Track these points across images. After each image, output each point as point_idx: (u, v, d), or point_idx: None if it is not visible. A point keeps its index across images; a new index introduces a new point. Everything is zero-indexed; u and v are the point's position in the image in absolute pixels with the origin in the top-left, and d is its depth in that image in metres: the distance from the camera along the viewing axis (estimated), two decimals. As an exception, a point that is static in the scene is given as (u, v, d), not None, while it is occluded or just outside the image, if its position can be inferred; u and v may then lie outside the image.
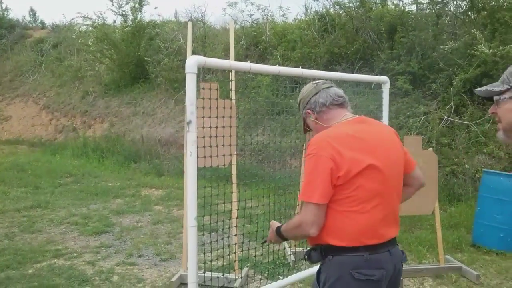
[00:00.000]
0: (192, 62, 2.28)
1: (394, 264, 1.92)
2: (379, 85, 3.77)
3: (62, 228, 5.80)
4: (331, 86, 2.13)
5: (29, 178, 8.46)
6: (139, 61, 12.51)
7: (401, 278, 4.03)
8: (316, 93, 2.09)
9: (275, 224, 2.14)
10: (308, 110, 2.10)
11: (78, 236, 5.52)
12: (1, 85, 16.20)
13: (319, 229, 1.85)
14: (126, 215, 6.40)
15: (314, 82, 2.17)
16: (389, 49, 8.65)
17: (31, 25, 20.48)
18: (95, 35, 13.14)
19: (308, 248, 2.05)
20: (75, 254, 4.93)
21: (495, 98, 1.48)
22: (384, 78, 3.58)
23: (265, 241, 2.28)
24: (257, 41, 11.24)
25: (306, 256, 2.04)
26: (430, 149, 4.95)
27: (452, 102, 7.38)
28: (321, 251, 1.93)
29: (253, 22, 12.00)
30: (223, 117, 3.48)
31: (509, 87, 1.44)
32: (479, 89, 1.56)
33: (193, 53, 12.07)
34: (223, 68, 2.58)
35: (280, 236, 2.07)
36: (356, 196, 1.83)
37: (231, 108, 3.70)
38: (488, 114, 5.38)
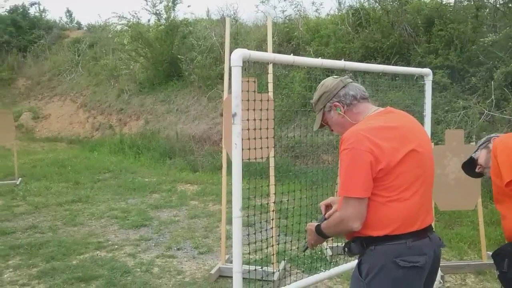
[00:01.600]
0: (238, 55, 2.30)
1: (434, 249, 1.93)
2: (418, 79, 3.71)
3: (102, 222, 5.97)
4: (354, 81, 2.13)
5: (69, 174, 8.73)
6: (173, 59, 12.69)
7: (443, 274, 3.97)
8: (344, 86, 2.06)
9: (312, 225, 2.12)
10: (337, 103, 2.05)
11: (118, 229, 5.67)
12: (40, 84, 16.74)
13: (362, 223, 1.84)
14: (163, 210, 6.52)
15: (336, 77, 2.13)
16: (426, 43, 8.48)
17: (67, 26, 21.07)
18: (130, 34, 13.41)
19: (346, 242, 2.04)
20: (116, 246, 5.06)
21: None
22: (427, 70, 3.52)
23: (306, 248, 2.25)
24: (290, 37, 11.21)
25: (345, 249, 2.03)
26: (473, 143, 4.83)
27: (493, 96, 7.17)
28: (361, 243, 1.92)
29: (285, 18, 11.97)
30: (261, 110, 3.49)
31: None
32: None
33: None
34: (267, 61, 2.60)
35: (321, 234, 2.05)
36: (397, 185, 1.83)
37: (268, 100, 3.71)
38: None
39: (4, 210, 6.47)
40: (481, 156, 2.39)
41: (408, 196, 1.84)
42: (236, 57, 2.30)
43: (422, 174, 1.90)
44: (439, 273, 3.43)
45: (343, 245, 2.10)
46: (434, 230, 2.05)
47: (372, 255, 1.88)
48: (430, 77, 3.57)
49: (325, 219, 2.08)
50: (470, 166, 2.50)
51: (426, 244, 1.89)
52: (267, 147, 3.56)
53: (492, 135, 2.49)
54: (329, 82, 2.10)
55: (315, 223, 2.12)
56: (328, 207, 2.19)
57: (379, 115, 1.98)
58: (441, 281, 3.67)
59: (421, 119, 4.35)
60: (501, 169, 2.02)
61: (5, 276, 4.30)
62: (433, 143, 4.38)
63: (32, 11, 20.49)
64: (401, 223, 1.84)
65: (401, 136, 1.86)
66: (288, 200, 3.84)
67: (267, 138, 3.40)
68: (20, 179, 8.14)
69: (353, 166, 1.81)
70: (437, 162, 4.22)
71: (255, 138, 2.83)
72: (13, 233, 5.47)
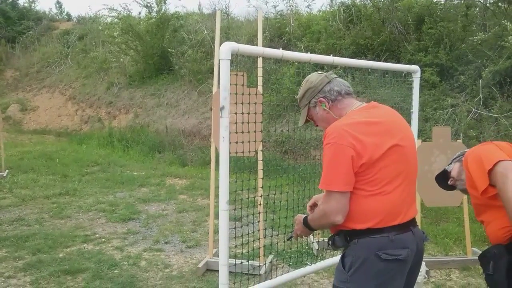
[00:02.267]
0: (226, 48, 2.29)
1: (416, 243, 1.95)
2: (406, 76, 3.73)
3: (90, 215, 5.94)
4: (337, 77, 2.14)
5: (57, 167, 8.66)
6: (163, 53, 12.63)
7: (428, 269, 4.02)
8: (329, 82, 2.07)
9: (301, 216, 2.15)
10: (322, 98, 2.06)
11: (106, 222, 5.64)
12: (28, 76, 16.56)
13: (345, 216, 1.86)
14: (151, 203, 6.50)
15: (321, 72, 2.14)
16: (416, 41, 8.54)
17: (57, 17, 20.88)
18: (120, 26, 13.30)
19: (330, 235, 2.06)
20: (103, 239, 5.04)
21: None
22: (415, 67, 3.54)
23: (291, 237, 2.28)
24: (281, 33, 11.21)
25: (329, 242, 2.04)
26: (459, 140, 4.88)
27: (481, 95, 7.24)
28: (345, 236, 1.94)
29: (277, 13, 11.98)
30: (249, 103, 3.50)
31: None
32: None
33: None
34: (256, 54, 2.59)
35: (307, 227, 2.08)
36: (379, 179, 1.85)
37: (257, 94, 3.72)
38: None
39: (-10, 202, 6.41)
40: (454, 168, 2.41)
41: (390, 189, 1.86)
42: (224, 50, 2.29)
43: (404, 169, 1.92)
44: (424, 268, 3.47)
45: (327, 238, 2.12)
46: (417, 224, 2.07)
47: (355, 248, 1.90)
48: (418, 74, 3.59)
49: None
50: (443, 179, 2.51)
51: (408, 238, 1.91)
52: (255, 141, 3.56)
53: (466, 150, 2.50)
54: (314, 77, 2.11)
55: (304, 215, 2.15)
56: (314, 206, 2.23)
57: (362, 110, 1.99)
58: (426, 276, 3.71)
59: (409, 116, 4.39)
60: (474, 179, 2.03)
61: (-9, 268, 4.27)
62: (420, 140, 4.42)
63: (21, 1, 20.35)
64: (383, 216, 1.86)
65: (383, 131, 1.88)
66: (275, 195, 3.85)
67: (255, 132, 3.40)
68: (7, 171, 8.05)
69: (334, 160, 1.83)
70: (424, 159, 4.27)
71: (242, 132, 2.83)
72: (-1, 225, 5.43)
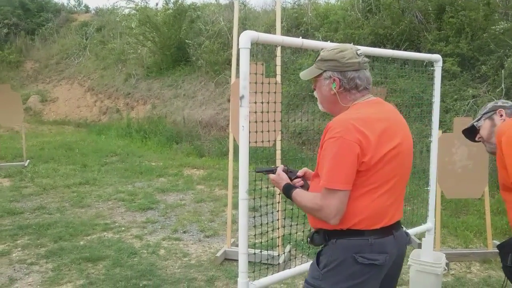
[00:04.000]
0: (246, 37, 2.27)
1: (398, 247, 1.88)
2: (427, 65, 3.66)
3: (109, 204, 6.02)
4: (368, 68, 1.95)
5: (76, 157, 8.78)
6: (180, 44, 12.65)
7: (448, 262, 3.97)
8: (357, 70, 1.88)
9: (283, 179, 2.06)
10: (337, 79, 1.88)
11: (125, 211, 5.72)
12: (47, 67, 16.76)
13: (340, 219, 1.77)
14: (170, 193, 6.56)
15: (360, 53, 1.91)
16: (436, 30, 8.38)
17: (75, 9, 21.02)
18: (137, 18, 13.35)
19: (310, 232, 1.98)
20: (123, 228, 5.11)
21: None
22: (437, 56, 3.47)
23: (262, 171, 2.24)
24: (299, 23, 11.12)
25: (308, 239, 1.97)
26: (481, 131, 4.78)
27: (503, 85, 7.09)
28: (324, 234, 1.87)
29: (294, 3, 11.87)
30: (268, 92, 3.48)
31: None
32: None
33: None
34: (276, 43, 2.57)
35: (286, 195, 1.99)
36: (373, 180, 1.77)
37: (276, 84, 3.70)
38: None
39: (13, 191, 6.54)
40: (484, 127, 2.29)
41: (380, 193, 1.79)
42: (244, 39, 2.27)
43: (399, 172, 1.85)
44: (444, 260, 3.44)
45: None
46: (402, 227, 1.98)
47: (333, 248, 1.84)
48: (440, 63, 3.53)
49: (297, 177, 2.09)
50: (470, 132, 2.42)
51: (389, 242, 1.84)
52: (274, 131, 3.55)
53: (498, 103, 2.35)
54: (348, 55, 1.88)
55: (285, 176, 2.07)
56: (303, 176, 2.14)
57: (369, 104, 1.88)
58: (446, 268, 3.67)
59: (429, 107, 4.32)
60: (507, 164, 1.95)
61: (14, 255, 4.36)
62: (441, 131, 4.35)
63: (40, -7, 20.45)
64: (366, 218, 1.78)
65: (387, 130, 1.79)
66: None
67: (274, 121, 3.39)
68: (28, 161, 8.21)
69: (340, 156, 1.72)
70: (445, 150, 4.21)
71: (262, 121, 2.82)
72: (21, 214, 5.54)
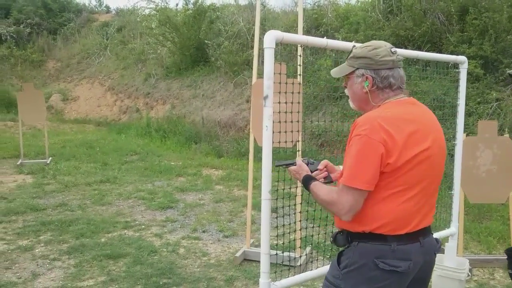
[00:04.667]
0: (271, 37, 2.27)
1: (424, 255, 1.81)
2: (450, 68, 3.62)
3: (130, 202, 6.08)
4: (402, 66, 1.90)
5: (97, 155, 8.90)
6: (200, 44, 12.72)
7: (471, 268, 3.91)
8: (391, 68, 1.83)
9: (304, 168, 2.07)
10: (370, 77, 1.83)
11: (145, 210, 5.77)
12: (69, 67, 17.04)
13: (353, 216, 1.75)
14: (189, 193, 6.59)
15: (394, 50, 1.85)
16: (459, 32, 8.26)
17: (96, 9, 21.32)
18: (157, 18, 13.48)
19: (334, 232, 1.96)
20: (143, 226, 5.15)
21: None
22: (462, 58, 3.42)
23: (283, 165, 2.25)
24: (318, 24, 11.08)
25: (331, 239, 1.94)
26: (506, 135, 4.70)
27: (528, 88, 6.96)
28: (347, 236, 1.85)
29: (314, 4, 11.84)
30: (292, 92, 3.48)
31: None
32: None
33: (253, 36, 11.99)
34: (300, 43, 2.57)
35: (305, 187, 1.98)
36: (399, 183, 1.72)
37: (298, 84, 3.70)
38: None
39: (36, 187, 6.66)
40: None
41: (407, 197, 1.73)
42: (269, 39, 2.27)
43: (428, 176, 1.78)
44: (468, 266, 3.38)
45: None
46: (431, 233, 1.91)
47: (354, 250, 1.81)
48: (465, 65, 3.48)
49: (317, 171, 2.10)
50: None
51: (414, 249, 1.77)
52: (295, 131, 3.55)
53: None
54: (382, 52, 1.83)
55: (306, 167, 2.07)
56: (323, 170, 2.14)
57: (400, 104, 1.83)
58: (469, 273, 3.62)
59: (452, 110, 4.26)
60: None
61: (37, 250, 4.44)
62: (465, 135, 4.28)
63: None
64: (391, 223, 1.74)
65: (416, 132, 1.74)
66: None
67: (296, 122, 3.39)
68: (50, 158, 8.35)
69: (363, 155, 1.69)
70: (469, 154, 4.15)
71: (286, 122, 2.81)
72: (44, 210, 5.64)
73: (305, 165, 2.11)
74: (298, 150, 4.07)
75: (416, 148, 1.72)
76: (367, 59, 1.84)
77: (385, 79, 1.83)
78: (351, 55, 1.92)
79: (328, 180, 2.13)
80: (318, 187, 1.92)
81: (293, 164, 2.18)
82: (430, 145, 1.77)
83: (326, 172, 2.13)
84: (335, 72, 2.01)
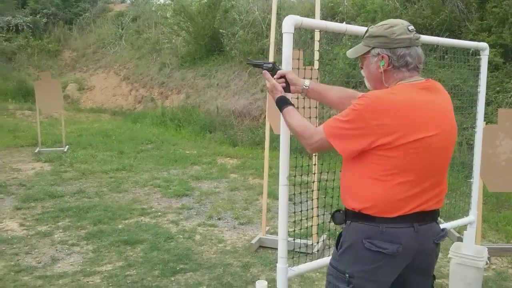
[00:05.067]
0: (290, 21, 2.25)
1: (420, 241, 1.77)
2: (470, 55, 3.56)
3: (146, 190, 6.14)
4: (420, 45, 1.85)
5: (113, 144, 8.98)
6: (214, 34, 12.68)
7: (489, 256, 3.87)
8: (408, 47, 1.78)
9: (279, 88, 2.06)
10: (385, 56, 1.80)
11: (161, 197, 5.82)
12: (85, 56, 17.15)
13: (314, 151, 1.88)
14: (204, 181, 6.63)
15: (411, 29, 1.80)
16: (478, 20, 8.11)
17: (111, -1, 21.40)
18: (172, 7, 13.47)
19: (334, 210, 1.98)
20: (159, 213, 5.20)
21: None
22: (483, 45, 3.35)
23: (255, 64, 2.28)
24: (334, 13, 10.96)
25: (331, 217, 1.97)
26: (526, 123, 4.61)
27: (549, 77, 6.82)
28: (343, 214, 1.88)
29: (330, -8, 11.68)
30: (311, 78, 3.46)
31: None
32: None
33: (268, 25, 11.92)
34: (319, 28, 2.55)
35: (279, 108, 2.02)
36: (389, 166, 1.70)
37: (313, 70, 3.68)
38: None
39: (53, 175, 6.75)
40: None
41: (400, 181, 1.71)
42: (288, 24, 2.25)
43: (428, 165, 1.74)
44: (486, 254, 3.35)
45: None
46: (435, 221, 1.86)
47: (348, 230, 1.85)
48: (487, 52, 3.40)
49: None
50: None
51: (405, 233, 1.74)
52: (315, 117, 3.54)
53: None
54: (398, 30, 1.79)
55: (281, 88, 2.06)
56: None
57: (411, 87, 1.77)
58: (488, 262, 3.59)
59: (470, 99, 4.19)
60: None
61: (56, 236, 4.52)
62: (484, 123, 4.21)
63: (78, -16, 20.89)
64: (376, 204, 1.74)
65: (422, 118, 1.70)
66: (327, 176, 3.81)
67: (316, 107, 3.38)
68: (67, 146, 8.45)
69: (351, 126, 1.71)
70: (488, 142, 4.09)
71: (304, 107, 2.80)
72: (62, 197, 5.72)
73: (280, 84, 2.10)
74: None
75: (416, 134, 1.68)
76: (383, 38, 1.80)
77: (402, 58, 1.79)
78: (366, 34, 1.89)
79: (286, 91, 2.13)
80: (292, 114, 1.96)
81: (262, 66, 2.21)
82: (437, 133, 1.73)
83: (283, 84, 2.12)
84: (350, 52, 1.98)
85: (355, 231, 1.80)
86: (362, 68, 1.96)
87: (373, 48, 1.84)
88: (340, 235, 1.91)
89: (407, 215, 1.74)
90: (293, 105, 2.02)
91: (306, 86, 2.12)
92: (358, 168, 1.79)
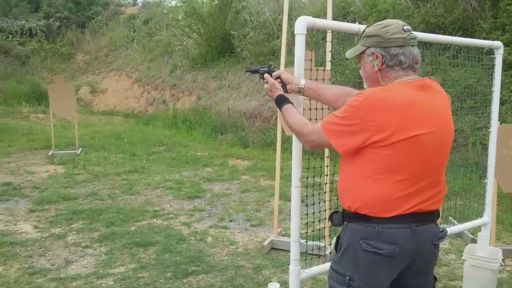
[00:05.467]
0: (302, 23, 2.24)
1: (417, 242, 1.75)
2: (484, 54, 3.51)
3: (158, 192, 6.16)
4: (416, 45, 1.85)
5: (125, 146, 9.04)
6: (225, 35, 12.71)
7: (504, 258, 3.81)
8: (401, 46, 1.79)
9: (278, 87, 2.12)
10: (379, 55, 1.81)
11: (173, 199, 5.84)
12: (97, 59, 17.31)
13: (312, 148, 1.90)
14: (215, 183, 6.63)
15: (407, 28, 1.82)
16: (492, 18, 8.01)
17: (123, 2, 21.55)
18: (184, 10, 13.53)
19: (332, 211, 1.97)
20: (171, 215, 5.22)
21: None
22: (498, 43, 3.30)
23: (251, 70, 2.38)
24: (345, 12, 10.91)
25: (329, 219, 1.96)
26: (542, 123, 4.54)
27: None
28: (341, 215, 1.88)
29: (341, -8, 11.63)
30: (323, 79, 3.45)
31: None
32: None
33: (279, 26, 11.90)
34: (332, 29, 2.54)
35: (278, 106, 2.07)
36: (383, 165, 1.70)
37: (329, 70, 3.67)
38: None
39: (67, 177, 6.82)
40: None
41: (392, 180, 1.70)
42: (300, 25, 2.24)
43: (423, 163, 1.73)
44: (501, 255, 3.30)
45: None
46: (435, 222, 1.84)
47: (345, 231, 1.84)
48: (501, 51, 3.36)
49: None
50: None
51: (402, 234, 1.73)
52: (322, 119, 3.52)
53: None
54: (393, 30, 1.80)
55: (280, 86, 2.13)
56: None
57: (407, 85, 1.76)
58: (502, 264, 3.53)
59: (484, 98, 4.14)
60: None
61: (69, 238, 4.55)
62: (499, 122, 4.16)
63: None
64: (371, 203, 1.74)
65: (415, 117, 1.69)
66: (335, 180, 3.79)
67: (328, 109, 3.35)
68: (80, 149, 8.53)
69: (345, 122, 1.73)
70: (503, 142, 4.03)
71: (316, 109, 2.79)
72: (75, 199, 5.77)
73: (278, 84, 2.15)
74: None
75: (406, 133, 1.68)
76: (377, 37, 1.83)
77: (395, 57, 1.80)
78: (363, 34, 1.92)
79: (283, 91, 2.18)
80: (290, 111, 2.01)
81: (259, 71, 2.29)
82: (425, 132, 1.71)
83: (280, 84, 2.17)
84: (349, 53, 2.00)
85: (352, 232, 1.81)
86: (360, 68, 1.98)
87: (368, 47, 1.86)
88: (339, 237, 1.91)
89: (403, 215, 1.73)
90: (292, 103, 2.06)
91: (302, 85, 2.14)
92: (353, 167, 1.80)
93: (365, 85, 1.98)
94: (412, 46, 1.83)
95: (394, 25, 1.82)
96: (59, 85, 8.58)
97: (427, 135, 1.72)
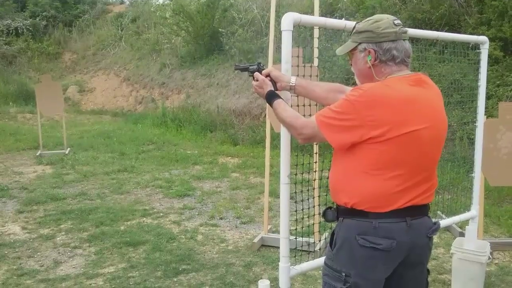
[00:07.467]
0: (288, 19, 2.23)
1: (413, 236, 1.76)
2: (470, 49, 3.54)
3: (147, 191, 6.14)
4: (407, 39, 1.85)
5: (114, 145, 8.99)
6: (214, 33, 12.67)
7: (492, 251, 3.86)
8: (394, 40, 1.79)
9: (268, 83, 2.09)
10: (372, 50, 1.80)
11: (162, 198, 5.82)
12: (85, 58, 17.15)
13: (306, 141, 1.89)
14: (205, 181, 6.63)
15: (397, 23, 1.81)
16: (478, 14, 8.07)
17: (111, 0, 21.36)
18: (171, 7, 13.45)
19: (325, 208, 1.97)
20: (161, 214, 5.21)
21: None
22: (483, 38, 3.33)
23: (241, 68, 2.34)
24: (333, 9, 10.93)
25: (322, 214, 1.96)
26: (527, 117, 4.60)
27: (549, 70, 6.79)
28: (335, 211, 1.87)
29: (329, -11, 11.66)
30: (310, 76, 3.45)
31: None
32: None
33: (268, 23, 11.88)
34: (318, 25, 2.54)
35: (268, 102, 2.05)
36: (379, 160, 1.70)
37: (312, 67, 3.66)
38: None
39: (55, 177, 6.76)
40: None
41: (390, 175, 1.70)
42: (287, 21, 2.24)
43: (418, 158, 1.74)
44: (489, 248, 3.34)
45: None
46: (427, 215, 1.85)
47: (340, 226, 1.83)
48: (487, 46, 3.39)
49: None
50: None
51: (398, 229, 1.73)
52: (310, 115, 3.52)
53: None
54: (383, 24, 1.79)
55: (270, 83, 2.09)
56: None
57: (402, 81, 1.76)
58: (490, 257, 3.57)
59: (470, 93, 4.17)
60: None
61: (58, 238, 4.52)
62: (485, 117, 4.20)
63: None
64: (368, 199, 1.73)
65: (412, 112, 1.70)
66: (328, 176, 3.80)
67: (316, 105, 3.36)
68: (68, 149, 8.46)
69: (341, 117, 1.71)
70: (489, 136, 4.07)
71: (304, 105, 2.79)
72: (64, 199, 5.72)
73: (268, 80, 2.12)
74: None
75: (403, 128, 1.68)
76: (369, 33, 1.81)
77: (388, 52, 1.79)
78: (354, 30, 1.90)
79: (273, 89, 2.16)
80: (282, 106, 1.98)
81: (251, 68, 2.26)
82: (423, 127, 1.72)
83: (269, 82, 2.14)
84: (339, 50, 1.99)
85: (348, 227, 1.80)
86: (351, 65, 1.97)
87: (360, 43, 1.85)
88: (333, 233, 1.90)
89: (399, 209, 1.74)
90: (282, 98, 2.04)
91: (292, 83, 2.12)
92: (349, 162, 1.78)
93: (357, 82, 1.97)
94: (404, 40, 1.82)
95: (385, 20, 1.82)
96: (46, 85, 8.50)
97: (424, 130, 1.72)
